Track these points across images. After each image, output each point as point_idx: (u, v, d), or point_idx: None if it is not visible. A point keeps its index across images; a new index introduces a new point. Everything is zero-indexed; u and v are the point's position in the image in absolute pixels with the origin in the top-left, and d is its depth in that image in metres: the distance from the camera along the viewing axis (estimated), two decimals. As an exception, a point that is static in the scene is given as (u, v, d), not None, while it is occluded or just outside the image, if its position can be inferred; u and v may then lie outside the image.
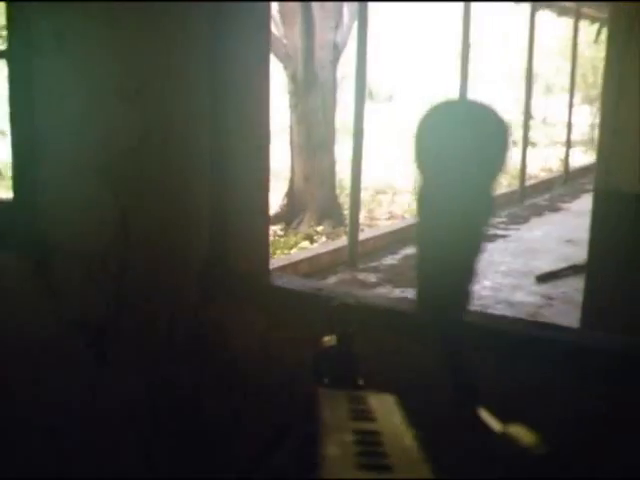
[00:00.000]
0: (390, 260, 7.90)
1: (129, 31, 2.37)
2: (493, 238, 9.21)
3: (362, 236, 8.12)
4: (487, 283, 7.02)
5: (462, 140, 0.87)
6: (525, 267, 7.62)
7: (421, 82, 27.35)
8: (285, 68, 9.92)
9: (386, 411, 0.82)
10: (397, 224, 9.58)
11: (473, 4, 9.78)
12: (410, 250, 8.31)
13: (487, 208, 0.88)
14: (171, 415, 2.45)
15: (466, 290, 0.91)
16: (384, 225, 9.84)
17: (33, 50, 2.57)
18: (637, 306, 4.28)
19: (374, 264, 7.70)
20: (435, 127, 0.89)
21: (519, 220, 10.48)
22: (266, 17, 2.35)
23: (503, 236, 9.37)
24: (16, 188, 2.72)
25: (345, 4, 9.72)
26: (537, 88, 24.63)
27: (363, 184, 12.43)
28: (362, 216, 9.99)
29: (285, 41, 9.80)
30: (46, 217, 2.63)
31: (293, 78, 9.76)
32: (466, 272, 0.90)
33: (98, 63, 2.45)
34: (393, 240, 8.52)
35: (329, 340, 1.15)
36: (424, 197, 0.89)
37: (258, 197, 2.40)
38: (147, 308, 2.44)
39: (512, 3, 12.42)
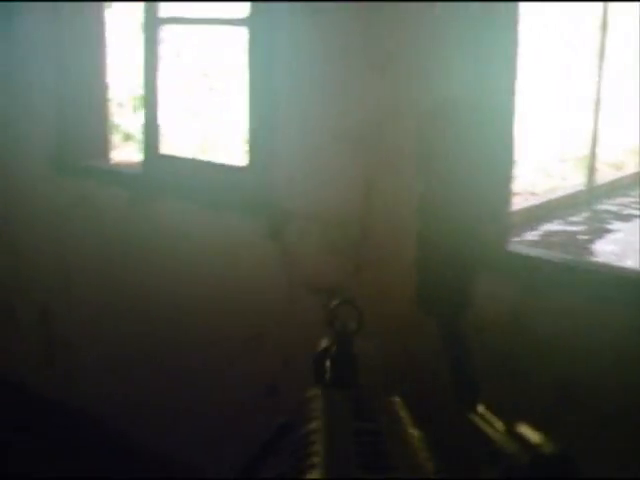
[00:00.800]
0: (531, 236, 7.83)
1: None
2: (629, 218, 8.99)
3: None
4: (630, 262, 6.87)
5: (466, 142, 0.86)
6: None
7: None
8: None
9: (387, 411, 0.83)
10: (534, 200, 9.43)
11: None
12: (549, 226, 8.21)
13: (495, 208, 0.89)
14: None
15: (467, 289, 0.92)
16: (519, 201, 9.71)
17: (273, 17, 2.66)
18: None
19: (516, 239, 7.64)
20: (438, 129, 0.88)
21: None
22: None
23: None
24: (252, 153, 2.83)
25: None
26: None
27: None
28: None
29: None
30: (283, 183, 2.72)
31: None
32: (467, 272, 0.91)
33: (349, 34, 2.51)
34: (530, 217, 8.42)
35: (329, 340, 1.18)
36: (426, 198, 0.90)
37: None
38: (385, 275, 2.51)
39: None
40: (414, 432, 0.78)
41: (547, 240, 7.63)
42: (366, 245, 2.55)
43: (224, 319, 2.93)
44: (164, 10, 3.17)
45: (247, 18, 2.78)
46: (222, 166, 3.08)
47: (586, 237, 7.87)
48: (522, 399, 2.18)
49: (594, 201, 9.61)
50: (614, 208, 9.57)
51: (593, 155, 9.63)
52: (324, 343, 1.20)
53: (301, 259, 2.71)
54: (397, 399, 0.88)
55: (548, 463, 0.76)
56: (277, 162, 2.73)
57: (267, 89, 2.73)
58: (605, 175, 11.32)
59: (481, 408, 0.85)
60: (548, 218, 8.51)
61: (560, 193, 9.81)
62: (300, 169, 2.68)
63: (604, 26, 9.55)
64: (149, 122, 3.21)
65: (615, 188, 10.64)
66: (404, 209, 2.42)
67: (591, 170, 9.64)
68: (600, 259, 6.99)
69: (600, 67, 9.49)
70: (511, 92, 2.28)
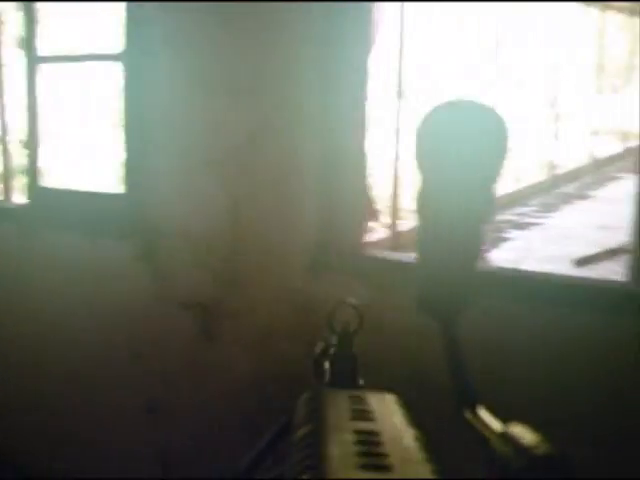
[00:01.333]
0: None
1: (240, 32, 2.61)
2: (527, 226, 9.40)
3: (399, 228, 8.29)
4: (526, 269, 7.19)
5: (462, 141, 0.87)
6: (562, 252, 7.80)
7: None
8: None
9: (386, 411, 0.83)
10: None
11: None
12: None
13: (487, 208, 0.89)
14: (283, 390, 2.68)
15: (466, 288, 0.92)
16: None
17: (145, 52, 2.82)
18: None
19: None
20: (436, 128, 0.89)
21: (551, 208, 10.66)
22: (370, 15, 2.55)
23: (537, 224, 9.55)
24: (128, 180, 2.97)
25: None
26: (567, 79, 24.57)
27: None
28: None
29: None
30: (156, 207, 2.87)
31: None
32: (466, 271, 0.91)
33: (208, 63, 2.69)
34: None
35: (329, 340, 1.17)
36: (424, 197, 0.90)
37: (359, 181, 2.60)
38: (255, 288, 2.67)
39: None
40: (413, 432, 0.78)
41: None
42: (234, 260, 2.71)
43: (105, 341, 3.04)
44: (44, 49, 3.29)
45: (121, 53, 2.93)
46: (101, 195, 3.20)
47: (483, 247, 8.18)
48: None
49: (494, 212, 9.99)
50: (513, 217, 9.98)
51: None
52: (324, 343, 1.18)
53: (172, 277, 2.85)
54: (397, 399, 0.89)
55: (545, 464, 0.75)
56: (151, 187, 2.87)
57: (140, 119, 2.88)
58: (505, 186, 11.78)
59: (479, 409, 0.86)
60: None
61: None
62: (172, 192, 2.83)
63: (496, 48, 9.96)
64: (31, 158, 3.32)
65: (515, 199, 11.08)
66: (269, 224, 2.61)
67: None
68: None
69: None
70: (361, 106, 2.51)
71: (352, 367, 1.13)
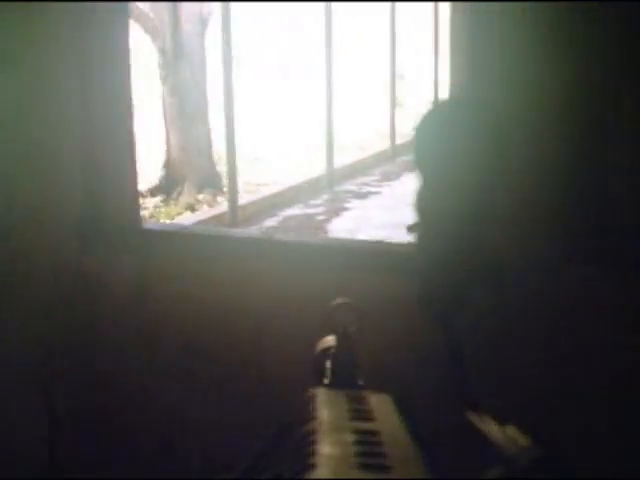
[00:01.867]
0: (270, 222, 8.18)
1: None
2: (367, 195, 9.64)
3: (242, 201, 8.34)
4: (362, 236, 7.39)
5: (460, 141, 0.87)
6: (397, 219, 8.05)
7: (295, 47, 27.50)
8: (153, 41, 9.95)
9: (385, 411, 0.83)
10: (274, 188, 9.85)
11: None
12: (289, 211, 8.60)
13: (487, 207, 0.89)
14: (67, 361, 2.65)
15: (466, 288, 0.94)
16: (263, 190, 10.10)
17: None
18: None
19: (255, 227, 7.96)
20: (434, 129, 0.91)
21: (392, 177, 10.97)
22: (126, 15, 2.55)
23: (376, 193, 9.82)
24: None
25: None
26: (406, 48, 25.20)
27: (240, 151, 12.61)
28: (241, 183, 10.20)
29: (152, 15, 9.83)
30: None
31: (162, 51, 9.82)
32: (467, 274, 0.92)
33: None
34: (273, 202, 8.79)
35: (329, 340, 1.16)
36: (424, 196, 0.92)
37: (126, 151, 2.59)
38: (32, 264, 2.63)
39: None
40: (413, 432, 0.78)
41: (285, 224, 8.01)
42: (13, 238, 2.64)
43: None
44: None
45: None
46: None
47: (323, 217, 8.34)
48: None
49: (337, 183, 10.18)
50: (354, 187, 10.20)
51: (330, 139, 10.18)
52: (324, 343, 1.16)
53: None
54: (396, 399, 0.88)
55: (546, 464, 0.75)
56: None
57: None
58: (350, 156, 12.02)
59: (479, 407, 0.86)
60: (290, 204, 8.92)
61: (304, 178, 10.32)
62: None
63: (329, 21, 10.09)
64: None
65: (357, 169, 11.31)
66: (42, 202, 2.57)
67: (330, 153, 10.18)
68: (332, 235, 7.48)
69: (329, 56, 10.02)
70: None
71: (352, 367, 1.11)
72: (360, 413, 0.81)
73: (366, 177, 11.03)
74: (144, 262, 2.48)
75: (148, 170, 11.64)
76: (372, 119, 15.45)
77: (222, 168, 10.08)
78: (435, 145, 0.90)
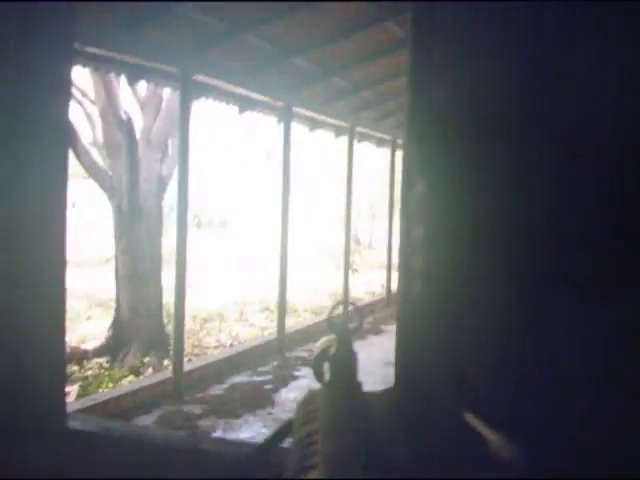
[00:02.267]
0: (216, 390, 7.90)
1: None
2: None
3: (188, 366, 8.09)
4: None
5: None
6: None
7: (252, 207, 28.18)
8: (110, 199, 9.96)
9: (385, 411, 0.86)
10: (224, 352, 9.64)
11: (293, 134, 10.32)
12: (237, 378, 8.36)
13: None
14: None
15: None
16: (211, 354, 9.87)
17: None
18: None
19: (200, 395, 7.67)
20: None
21: (344, 344, 10.82)
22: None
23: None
24: None
25: (170, 137, 10.00)
26: (364, 214, 25.90)
27: (192, 313, 12.45)
28: (190, 345, 9.98)
29: (110, 173, 9.89)
30: None
31: (118, 209, 9.81)
32: None
33: None
34: (220, 368, 8.54)
35: (329, 340, 1.17)
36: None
37: (54, 339, 2.44)
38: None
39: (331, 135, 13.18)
40: (412, 432, 0.78)
41: (230, 394, 7.75)
42: None
43: None
44: None
45: None
46: None
47: (270, 386, 8.10)
48: None
49: (288, 348, 9.99)
50: (304, 354, 10.00)
51: (283, 301, 10.09)
52: (324, 343, 1.16)
53: None
54: (396, 399, 0.87)
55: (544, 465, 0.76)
56: None
57: None
58: (305, 320, 11.91)
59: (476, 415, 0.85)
60: (239, 369, 8.68)
61: (255, 342, 10.13)
62: None
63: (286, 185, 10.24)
64: None
65: (310, 333, 11.17)
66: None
67: (281, 317, 10.05)
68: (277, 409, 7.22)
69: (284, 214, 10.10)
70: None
71: (352, 367, 1.10)
72: (360, 413, 0.81)
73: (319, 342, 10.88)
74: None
75: (98, 329, 11.41)
76: (326, 283, 15.54)
77: (171, 328, 9.89)
78: None
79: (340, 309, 1.22)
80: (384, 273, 15.65)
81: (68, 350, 9.86)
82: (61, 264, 2.42)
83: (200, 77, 7.67)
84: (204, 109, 14.90)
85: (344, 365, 1.10)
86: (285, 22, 7.38)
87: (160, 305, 10.04)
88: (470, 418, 0.89)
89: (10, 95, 2.24)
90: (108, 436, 2.26)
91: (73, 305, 13.98)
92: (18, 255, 2.35)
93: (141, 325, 9.75)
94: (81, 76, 10.24)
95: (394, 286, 14.77)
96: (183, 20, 6.66)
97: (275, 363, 9.19)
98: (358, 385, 1.07)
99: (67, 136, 2.44)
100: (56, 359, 2.45)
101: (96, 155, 10.38)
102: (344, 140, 12.61)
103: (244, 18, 7.10)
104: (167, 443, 2.28)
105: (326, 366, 1.14)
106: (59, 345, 2.45)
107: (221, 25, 7.12)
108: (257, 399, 7.55)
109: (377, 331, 12.04)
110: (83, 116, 10.70)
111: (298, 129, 11.12)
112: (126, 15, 6.05)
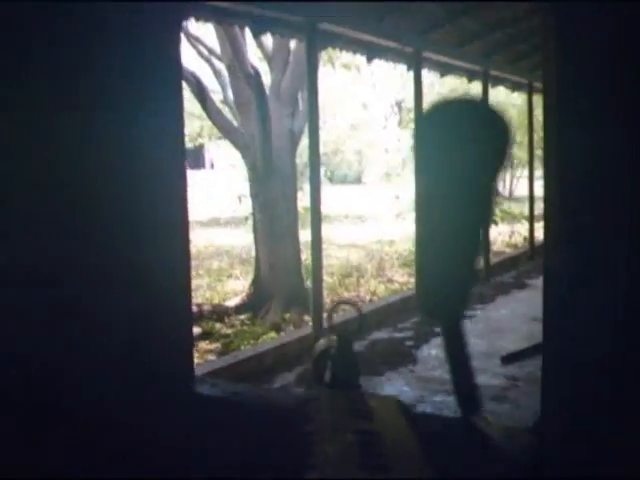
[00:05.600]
0: (357, 347, 7.79)
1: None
2: (460, 318, 9.16)
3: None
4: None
5: (462, 140, 0.91)
6: (491, 348, 7.50)
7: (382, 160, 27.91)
8: (244, 158, 9.97)
9: (386, 411, 0.85)
10: (365, 307, 9.51)
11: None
12: (379, 335, 8.22)
13: (487, 207, 0.92)
14: None
15: (467, 291, 1.00)
16: (350, 310, 9.77)
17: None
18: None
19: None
20: (436, 127, 0.93)
21: (485, 299, 10.43)
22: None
23: (469, 317, 9.31)
24: None
25: (300, 93, 9.85)
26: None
27: (330, 269, 12.41)
28: (330, 301, 9.91)
29: (242, 131, 9.88)
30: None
31: (253, 167, 9.81)
32: (467, 273, 0.98)
33: None
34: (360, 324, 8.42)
35: (329, 340, 1.15)
36: (426, 198, 0.94)
37: (180, 297, 2.33)
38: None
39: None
40: (412, 432, 0.76)
41: (372, 349, 7.62)
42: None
43: None
44: None
45: None
46: None
47: (412, 343, 7.90)
48: None
49: (427, 303, 9.75)
50: (446, 309, 9.75)
51: (420, 257, 9.82)
52: (324, 344, 1.17)
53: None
54: (395, 399, 0.85)
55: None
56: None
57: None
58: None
59: (481, 410, 0.85)
60: (378, 326, 8.54)
61: (394, 298, 9.96)
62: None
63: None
64: None
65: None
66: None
67: (420, 272, 9.81)
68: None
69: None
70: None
71: (352, 367, 1.03)
72: (360, 413, 0.67)
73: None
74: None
75: (240, 286, 11.60)
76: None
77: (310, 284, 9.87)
78: (435, 149, 0.96)
79: (339, 309, 1.05)
80: (526, 224, 15.06)
81: (211, 307, 10.04)
82: (183, 219, 2.30)
83: (325, 25, 7.42)
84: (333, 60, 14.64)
85: (344, 365, 1.04)
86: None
87: (299, 261, 10.04)
88: (474, 417, 0.85)
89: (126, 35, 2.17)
90: (236, 401, 2.15)
91: (216, 263, 14.30)
92: (140, 213, 2.25)
93: (281, 282, 9.78)
94: (208, 33, 10.24)
95: (537, 238, 14.16)
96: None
97: (415, 319, 8.96)
98: (358, 385, 1.00)
99: (180, 76, 2.32)
100: (184, 324, 2.35)
101: (227, 114, 10.40)
102: (477, 85, 12.04)
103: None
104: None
105: (326, 366, 1.05)
106: (186, 310, 2.35)
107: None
108: (398, 356, 7.37)
109: (521, 285, 11.57)
110: (212, 75, 10.72)
111: (429, 77, 10.69)
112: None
